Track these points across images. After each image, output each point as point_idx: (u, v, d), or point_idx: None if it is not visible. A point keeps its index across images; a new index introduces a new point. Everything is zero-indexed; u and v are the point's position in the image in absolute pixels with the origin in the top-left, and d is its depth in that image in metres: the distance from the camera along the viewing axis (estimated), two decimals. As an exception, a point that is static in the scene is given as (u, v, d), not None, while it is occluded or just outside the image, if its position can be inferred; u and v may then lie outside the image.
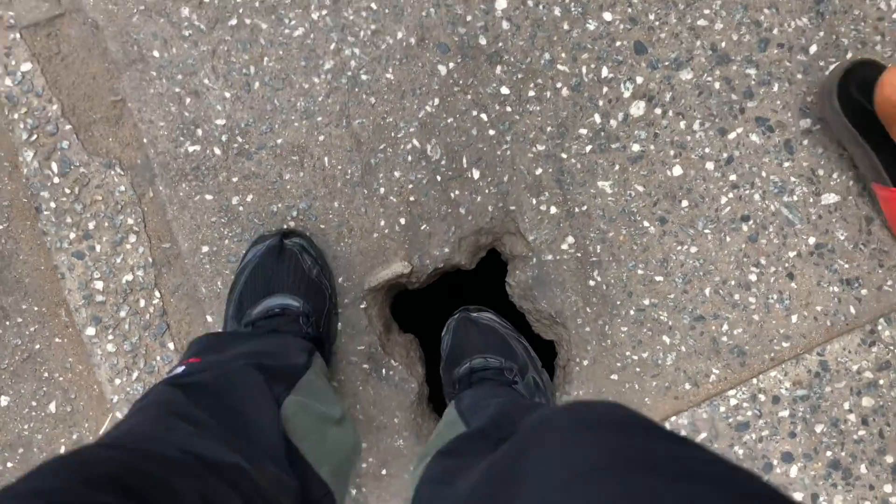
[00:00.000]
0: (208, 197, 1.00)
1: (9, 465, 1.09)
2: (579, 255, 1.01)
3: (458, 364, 1.00)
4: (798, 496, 0.99)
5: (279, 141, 1.00)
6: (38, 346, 1.07)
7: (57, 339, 1.07)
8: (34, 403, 1.08)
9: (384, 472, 1.01)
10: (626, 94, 1.00)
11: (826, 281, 1.00)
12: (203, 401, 0.64)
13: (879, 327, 1.00)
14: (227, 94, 1.00)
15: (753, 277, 1.01)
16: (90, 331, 1.00)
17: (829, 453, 1.00)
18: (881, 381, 1.00)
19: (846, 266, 1.00)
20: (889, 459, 0.99)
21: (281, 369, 0.75)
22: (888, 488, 1.00)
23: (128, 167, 1.00)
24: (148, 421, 0.58)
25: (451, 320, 1.07)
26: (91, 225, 1.00)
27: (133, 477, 0.46)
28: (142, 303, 1.00)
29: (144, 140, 0.99)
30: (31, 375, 1.07)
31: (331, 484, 0.72)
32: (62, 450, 1.08)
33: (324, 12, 1.00)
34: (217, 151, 1.00)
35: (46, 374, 1.07)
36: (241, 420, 0.65)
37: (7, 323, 1.07)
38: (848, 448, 1.00)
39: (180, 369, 0.71)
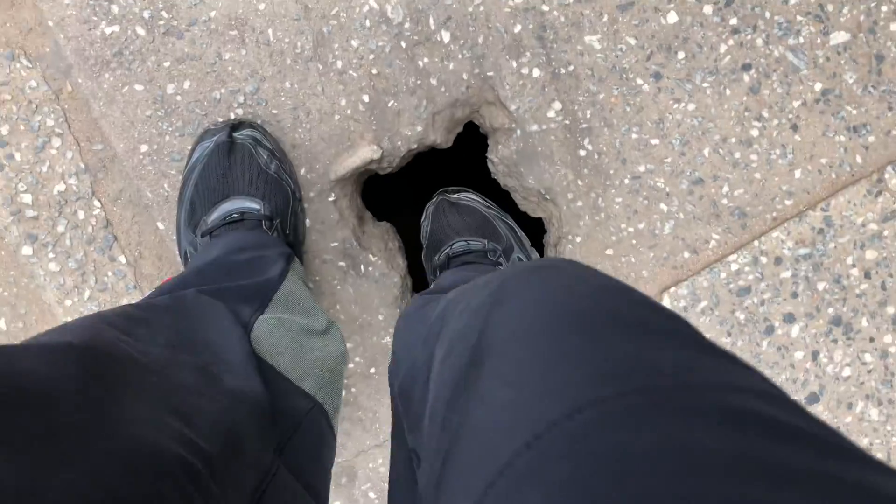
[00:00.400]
0: (138, 87, 0.85)
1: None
2: (567, 122, 0.90)
3: (439, 250, 0.94)
4: (798, 355, 0.97)
5: (213, 14, 0.84)
6: (-26, 268, 0.96)
7: (-6, 258, 0.95)
8: (-18, 328, 0.98)
9: (373, 370, 0.96)
10: (613, -72, 0.86)
11: (832, 130, 0.92)
12: (151, 325, 0.55)
13: (887, 175, 0.93)
14: (142, -41, 0.83)
15: (755, 132, 0.92)
16: (26, 250, 0.88)
17: (830, 310, 0.96)
18: (885, 233, 0.94)
19: (854, 112, 0.92)
20: (890, 311, 0.96)
21: (251, 286, 0.66)
22: (888, 339, 0.97)
23: (35, 58, 0.85)
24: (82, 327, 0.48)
25: (430, 205, 0.99)
26: (4, 130, 0.85)
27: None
28: (81, 214, 0.88)
29: (49, 23, 0.83)
30: (-27, 299, 0.97)
31: (317, 396, 0.66)
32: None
33: None
34: (140, 31, 0.84)
35: (-10, 295, 0.97)
36: (196, 340, 0.57)
37: (-66, 246, 0.95)
38: (850, 303, 0.96)
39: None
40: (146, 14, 0.84)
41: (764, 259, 0.95)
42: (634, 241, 0.94)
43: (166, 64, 0.85)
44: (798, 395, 0.98)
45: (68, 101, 0.86)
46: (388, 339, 0.95)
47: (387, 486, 0.61)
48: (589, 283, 0.41)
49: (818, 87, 0.91)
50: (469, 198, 0.98)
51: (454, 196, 0.98)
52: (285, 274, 0.71)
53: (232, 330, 0.60)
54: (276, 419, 0.59)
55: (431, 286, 0.91)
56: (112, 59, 0.84)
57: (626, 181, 0.92)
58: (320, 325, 0.71)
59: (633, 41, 0.88)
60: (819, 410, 0.99)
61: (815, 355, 0.97)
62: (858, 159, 0.93)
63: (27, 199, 0.87)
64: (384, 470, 1.02)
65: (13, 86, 0.85)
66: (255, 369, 0.59)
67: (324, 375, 0.68)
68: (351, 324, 0.94)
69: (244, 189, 0.79)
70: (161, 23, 0.84)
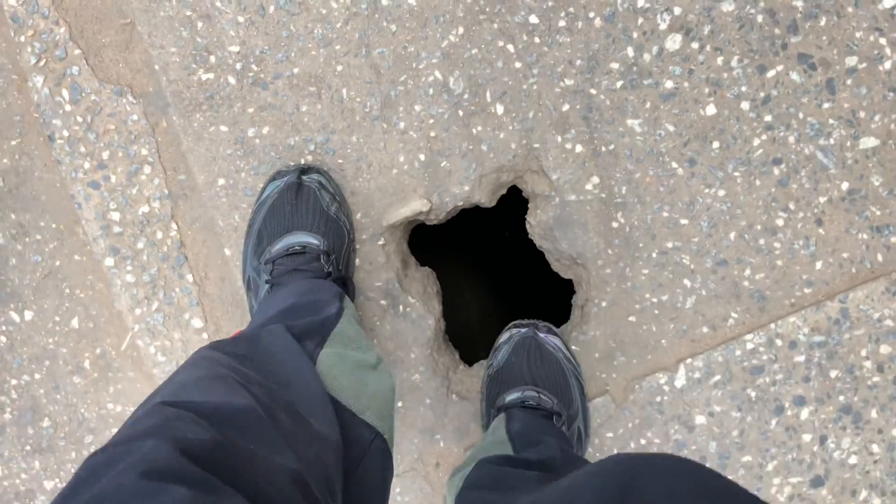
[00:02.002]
0: (223, 128, 0.95)
1: (36, 376, 1.10)
2: (603, 195, 0.96)
3: (511, 386, 0.91)
4: (806, 437, 0.99)
5: (296, 70, 0.94)
6: (58, 263, 1.06)
7: (76, 257, 1.05)
8: (57, 318, 1.07)
9: (400, 404, 1.02)
10: (663, 26, 0.92)
11: (855, 227, 0.96)
12: (252, 361, 0.64)
13: (906, 276, 0.96)
14: (241, 19, 0.93)
15: (780, 222, 0.96)
16: (109, 261, 0.98)
17: (841, 398, 0.99)
18: (901, 330, 0.97)
19: (878, 213, 0.95)
20: (900, 405, 0.98)
21: (313, 323, 0.73)
22: (896, 432, 0.99)
23: (139, 95, 0.95)
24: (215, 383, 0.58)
25: (516, 332, 0.96)
26: (105, 155, 0.96)
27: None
28: (159, 234, 0.98)
29: (156, 66, 0.93)
30: (54, 291, 1.06)
31: (378, 426, 0.72)
32: (86, 364, 1.09)
33: (342, -71, 0.91)
34: (231, 80, 0.94)
35: (68, 291, 1.06)
36: (280, 377, 0.65)
37: (27, 240, 1.05)
38: (861, 393, 0.98)
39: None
40: (238, 66, 0.94)
41: (779, 342, 0.98)
42: (657, 312, 0.99)
43: (250, 110, 0.94)
44: (803, 477, 1.00)
45: (162, 134, 0.96)
46: (418, 377, 1.01)
47: None
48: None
49: (845, 186, 0.95)
50: (555, 344, 0.95)
51: (543, 335, 0.95)
52: (341, 312, 0.77)
53: (307, 368, 0.67)
54: (346, 450, 0.66)
55: (488, 411, 0.93)
56: (204, 101, 0.94)
57: (654, 255, 0.97)
58: (372, 360, 0.78)
59: (671, 128, 0.94)
60: (823, 495, 1.00)
61: (822, 440, 0.99)
62: (879, 258, 0.96)
63: (116, 216, 0.97)
64: (401, 499, 1.07)
65: (118, 118, 0.95)
66: (332, 413, 0.66)
67: (381, 407, 0.74)
68: (385, 359, 1.01)
69: (307, 226, 0.87)
70: (250, 74, 0.94)
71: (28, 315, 1.08)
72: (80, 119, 0.95)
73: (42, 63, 0.93)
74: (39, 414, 1.12)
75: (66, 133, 0.95)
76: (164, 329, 1.00)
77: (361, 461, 0.68)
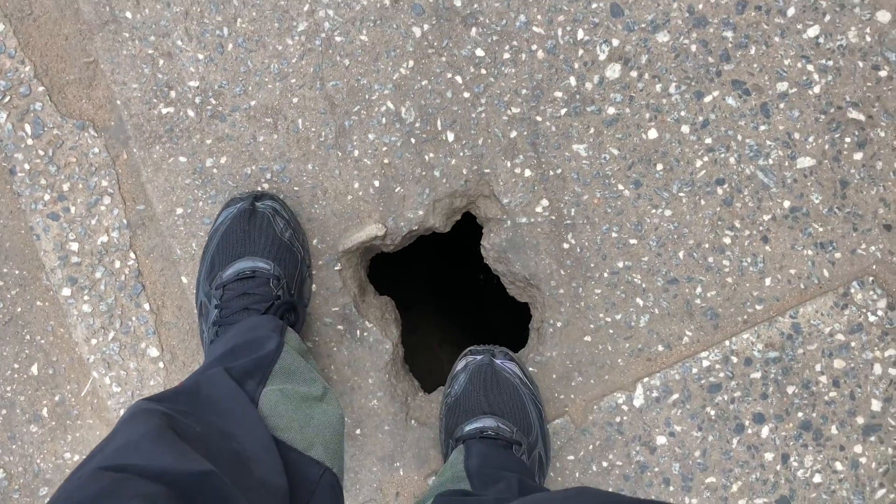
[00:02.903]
0: (182, 159, 0.97)
1: (-6, 425, 1.08)
2: (553, 217, 0.98)
3: (469, 416, 0.89)
4: (768, 456, 0.98)
5: (253, 103, 0.97)
6: (19, 310, 1.05)
7: (38, 303, 1.05)
8: (16, 366, 1.06)
9: (358, 431, 1.00)
10: (602, 57, 0.97)
11: (800, 244, 0.98)
12: (193, 414, 0.64)
13: (852, 290, 0.97)
14: (201, 56, 0.96)
15: (728, 240, 0.98)
16: (66, 291, 0.97)
17: (800, 414, 0.98)
18: (853, 344, 0.97)
19: (820, 229, 0.97)
20: (860, 420, 0.97)
21: (253, 361, 0.72)
22: (858, 448, 0.98)
23: (101, 129, 0.97)
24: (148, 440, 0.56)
25: (472, 359, 0.94)
26: (66, 186, 0.97)
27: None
28: (117, 264, 0.98)
29: (118, 102, 0.96)
30: (14, 338, 1.05)
31: (326, 461, 0.70)
32: (44, 412, 1.07)
33: (297, -28, 0.96)
34: (191, 113, 0.97)
35: (28, 337, 1.05)
36: (223, 433, 0.64)
37: (-11, 286, 1.05)
38: (819, 409, 0.98)
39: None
40: (198, 99, 0.97)
41: (734, 358, 0.98)
42: (611, 331, 0.99)
43: (208, 142, 0.97)
44: (769, 498, 0.98)
45: (122, 166, 0.98)
46: (376, 402, 1.00)
47: None
48: None
49: (787, 203, 0.97)
50: (511, 370, 0.93)
51: (499, 361, 0.93)
52: (281, 347, 0.76)
53: (249, 414, 0.66)
54: (293, 491, 0.65)
55: (447, 442, 0.91)
56: (164, 134, 0.97)
57: (606, 275, 0.98)
58: (317, 391, 0.76)
59: (616, 151, 0.97)
60: (790, 516, 0.98)
61: (785, 458, 0.98)
62: (825, 273, 0.98)
63: (74, 246, 0.97)
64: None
65: (79, 150, 0.97)
66: (277, 457, 0.64)
67: (329, 441, 0.72)
68: (342, 384, 0.99)
69: (258, 251, 0.87)
70: (209, 107, 0.97)
71: (-13, 360, 1.07)
72: (41, 152, 0.96)
73: (6, 100, 0.96)
74: (-7, 458, 1.08)
75: (27, 166, 0.97)
76: (120, 359, 0.99)
77: (310, 501, 0.66)
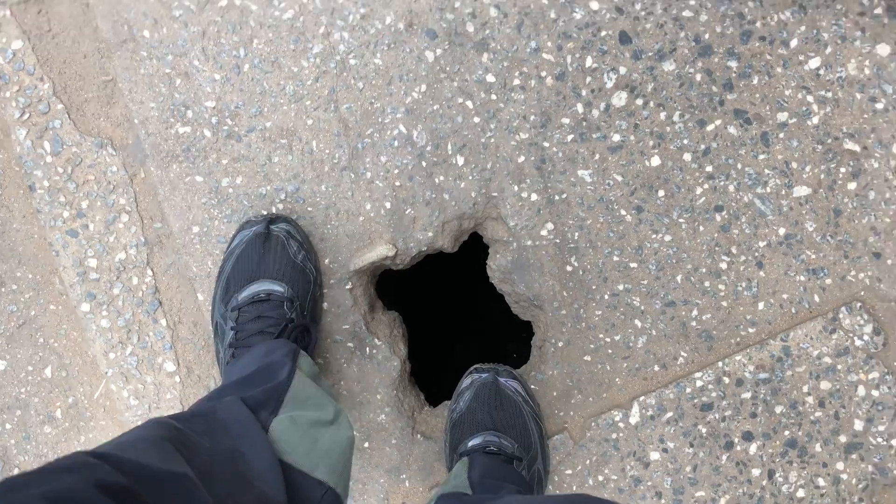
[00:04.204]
0: (198, 178, 0.98)
1: (7, 426, 1.10)
2: (558, 241, 1.00)
3: (472, 432, 0.92)
4: (755, 472, 1.02)
5: (268, 124, 0.98)
6: (33, 313, 1.07)
7: (52, 307, 1.06)
8: (30, 368, 1.08)
9: (366, 444, 1.03)
10: (609, 85, 0.98)
11: (793, 270, 1.00)
12: (205, 436, 0.66)
13: (840, 315, 1.00)
14: (217, 77, 0.97)
15: (724, 265, 1.01)
16: (85, 307, 0.99)
17: (787, 433, 1.02)
18: (839, 366, 1.01)
19: (813, 256, 1.00)
20: (843, 439, 1.01)
21: (266, 391, 0.75)
22: (840, 465, 1.02)
23: (119, 147, 0.98)
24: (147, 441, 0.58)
25: (477, 377, 0.97)
26: (84, 204, 0.98)
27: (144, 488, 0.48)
28: (135, 280, 1.00)
29: (136, 120, 0.97)
30: (28, 341, 1.07)
31: (329, 481, 0.73)
32: (58, 413, 1.09)
33: (312, -4, 0.96)
34: (207, 133, 0.98)
35: (42, 340, 1.07)
36: (232, 455, 0.67)
37: (2, 290, 1.06)
38: (805, 428, 1.02)
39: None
40: (214, 119, 0.98)
41: (727, 379, 1.01)
42: (610, 351, 1.02)
43: (224, 161, 0.98)
44: (754, 510, 1.02)
45: (140, 185, 0.99)
46: (384, 417, 1.03)
47: None
48: None
49: (782, 231, 1.00)
50: (514, 388, 0.96)
51: (503, 380, 0.96)
52: (293, 374, 0.79)
53: (259, 439, 0.68)
54: None
55: (451, 455, 0.94)
56: (181, 153, 0.98)
57: (606, 297, 1.01)
58: (329, 416, 0.79)
59: (619, 178, 0.99)
60: (774, 526, 1.03)
61: (771, 474, 1.02)
62: (816, 298, 1.01)
63: (93, 263, 0.99)
64: (367, 537, 1.07)
65: (97, 169, 0.98)
66: (280, 477, 0.67)
67: (335, 462, 0.75)
68: (351, 399, 1.02)
69: (272, 274, 0.89)
70: (225, 128, 0.98)
71: (1, 365, 1.09)
72: (60, 170, 0.97)
73: (25, 117, 0.97)
74: (9, 465, 1.11)
75: (46, 183, 0.98)
76: (138, 373, 1.01)
77: None
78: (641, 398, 1.01)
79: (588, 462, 1.01)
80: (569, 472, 1.02)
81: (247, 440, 0.69)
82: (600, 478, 1.01)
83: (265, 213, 0.96)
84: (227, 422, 0.70)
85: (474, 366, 1.00)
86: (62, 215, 0.98)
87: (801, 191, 0.99)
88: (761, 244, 1.00)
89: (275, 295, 0.86)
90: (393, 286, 1.23)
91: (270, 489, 0.66)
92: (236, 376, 0.79)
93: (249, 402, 0.73)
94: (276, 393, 0.77)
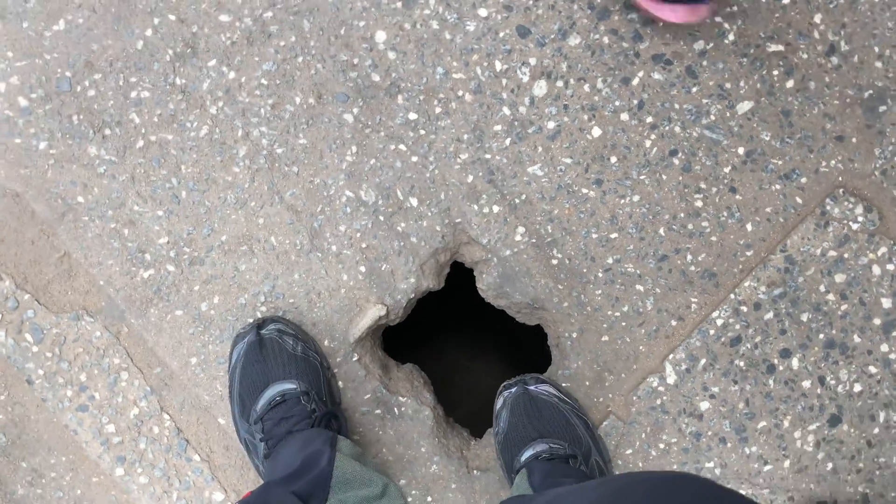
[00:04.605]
0: (178, 312, 0.99)
1: None
2: (534, 240, 1.00)
3: (521, 448, 0.91)
4: (806, 384, 1.00)
5: (224, 238, 0.99)
6: (79, 492, 1.07)
7: (94, 479, 1.07)
8: (97, 544, 1.09)
9: (429, 499, 1.02)
10: (525, 79, 0.98)
11: (766, 182, 1.00)
12: None
13: (828, 207, 0.99)
14: (160, 212, 0.98)
15: (699, 203, 1.00)
16: (119, 471, 1.00)
17: (821, 336, 1.00)
18: (846, 255, 1.00)
19: (780, 163, 0.99)
20: (877, 322, 1.00)
21: (313, 481, 0.76)
22: (885, 347, 1.00)
23: (95, 312, 0.99)
24: None
25: (508, 393, 0.96)
26: (83, 377, 0.99)
27: None
28: (155, 429, 1.00)
29: (101, 282, 0.98)
30: (85, 520, 1.08)
31: None
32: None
33: (220, 104, 0.97)
34: (171, 268, 0.99)
35: (98, 515, 1.08)
36: None
37: (43, 481, 1.07)
38: (837, 325, 1.00)
39: None
40: (172, 253, 0.99)
41: (744, 308, 1.00)
42: (624, 324, 1.01)
43: (196, 288, 0.99)
44: (820, 422, 1.00)
45: (126, 339, 1.00)
46: (435, 468, 1.02)
47: None
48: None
49: (741, 150, 1.00)
50: (546, 391, 0.95)
51: (533, 388, 0.95)
52: (333, 459, 0.79)
53: None
54: None
55: (515, 483, 0.91)
56: (153, 296, 0.99)
57: (600, 274, 1.01)
58: (377, 490, 0.80)
59: (569, 160, 0.99)
60: (845, 430, 1.01)
61: (822, 380, 1.01)
62: (799, 200, 1.00)
63: (111, 428, 1.00)
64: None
65: (82, 339, 0.99)
66: None
67: None
68: (399, 462, 1.02)
69: (280, 375, 0.90)
70: (185, 256, 0.99)
71: (69, 544, 1.09)
72: (49, 354, 0.99)
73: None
74: None
75: (41, 371, 0.99)
76: (190, 513, 1.02)
77: None
78: (671, 356, 1.00)
79: (644, 435, 1.00)
80: (629, 451, 1.01)
81: None
82: (661, 445, 1.00)
83: (251, 320, 0.97)
84: None
85: (503, 384, 0.99)
86: (66, 395, 0.99)
87: (745, 106, 0.99)
88: (726, 170, 0.99)
89: (289, 393, 0.87)
90: (401, 340, 1.23)
91: None
92: (280, 473, 0.79)
93: (300, 495, 0.74)
94: (321, 481, 0.78)
